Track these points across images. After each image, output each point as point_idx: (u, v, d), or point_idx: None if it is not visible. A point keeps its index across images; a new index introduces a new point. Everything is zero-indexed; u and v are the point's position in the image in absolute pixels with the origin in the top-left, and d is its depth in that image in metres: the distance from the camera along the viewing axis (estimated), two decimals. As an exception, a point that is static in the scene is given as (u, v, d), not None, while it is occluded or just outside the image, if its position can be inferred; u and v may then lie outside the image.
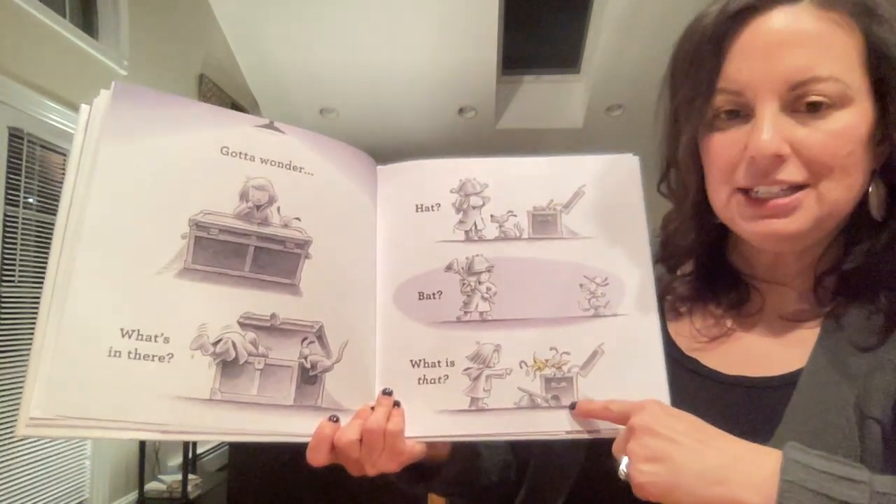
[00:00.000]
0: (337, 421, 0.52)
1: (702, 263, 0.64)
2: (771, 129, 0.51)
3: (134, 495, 3.16)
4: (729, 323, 0.61)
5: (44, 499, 2.60)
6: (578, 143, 4.85)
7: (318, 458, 0.52)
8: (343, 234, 0.57)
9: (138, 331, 0.46)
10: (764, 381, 0.55)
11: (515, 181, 0.62)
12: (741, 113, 0.54)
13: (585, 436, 0.55)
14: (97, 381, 0.44)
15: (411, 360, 0.57)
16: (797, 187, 0.52)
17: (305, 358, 0.52)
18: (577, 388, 0.56)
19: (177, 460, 3.48)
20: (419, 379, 0.57)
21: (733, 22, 0.53)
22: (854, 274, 0.55)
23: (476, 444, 0.64)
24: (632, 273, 0.59)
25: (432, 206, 0.61)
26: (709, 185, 0.58)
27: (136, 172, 0.49)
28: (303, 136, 0.56)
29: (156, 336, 0.47)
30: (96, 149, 0.47)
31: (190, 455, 3.33)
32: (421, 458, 0.56)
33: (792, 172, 0.51)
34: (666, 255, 0.65)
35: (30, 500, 2.52)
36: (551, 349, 0.57)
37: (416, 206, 0.61)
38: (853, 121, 0.51)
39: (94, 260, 0.46)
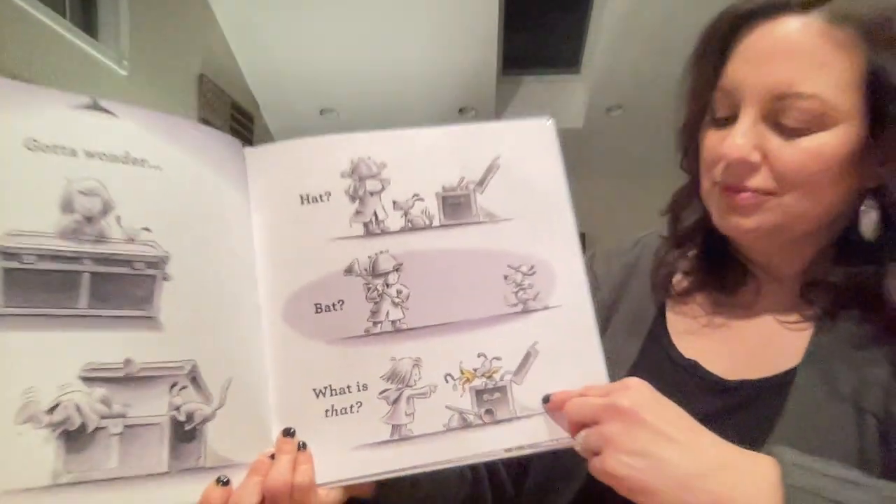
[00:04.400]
0: (227, 483, 0.42)
1: (706, 244, 0.64)
2: (744, 135, 0.52)
3: (134, 495, 3.16)
4: (725, 314, 0.62)
5: (44, 499, 2.59)
6: (578, 143, 4.84)
7: None
8: (210, 242, 0.45)
9: None
10: (762, 382, 0.56)
11: (419, 157, 0.52)
12: (731, 113, 0.55)
13: (527, 451, 0.49)
14: None
15: (314, 390, 0.48)
16: (765, 193, 0.53)
17: (178, 409, 0.41)
18: (513, 397, 0.50)
19: (177, 460, 3.48)
20: (326, 411, 0.48)
21: (742, 22, 0.54)
22: (842, 287, 0.55)
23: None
24: (560, 257, 0.52)
25: (321, 196, 0.50)
26: (700, 172, 0.60)
27: None
28: (142, 118, 0.43)
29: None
30: None
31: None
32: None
33: (761, 181, 0.53)
34: (675, 235, 0.65)
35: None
36: (479, 356, 0.50)
37: (301, 196, 0.50)
38: (832, 142, 0.50)
39: None
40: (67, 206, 0.38)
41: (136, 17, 3.20)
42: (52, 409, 0.37)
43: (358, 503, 0.52)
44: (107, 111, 0.41)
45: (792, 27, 0.51)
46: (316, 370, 0.48)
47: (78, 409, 0.37)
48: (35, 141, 0.37)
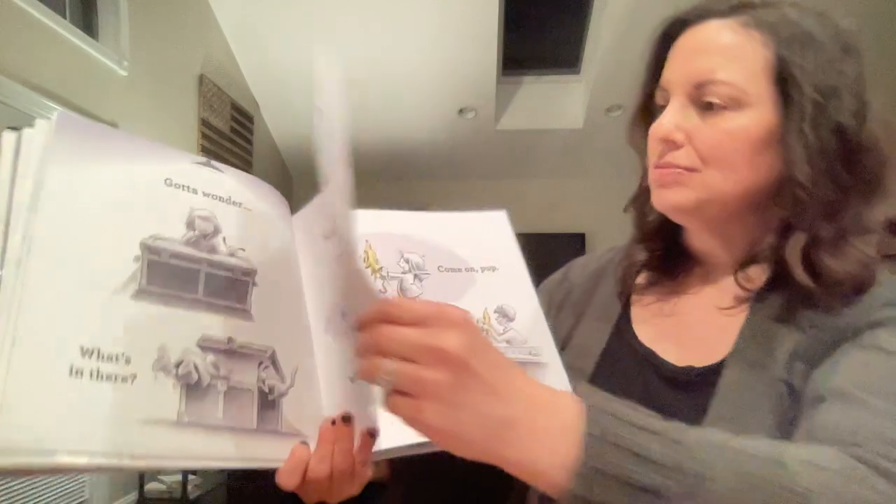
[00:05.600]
0: (307, 445, 0.51)
1: (666, 240, 0.70)
2: (671, 117, 0.60)
3: (134, 495, 3.16)
4: (677, 304, 0.67)
5: (44, 499, 2.59)
6: (578, 143, 4.85)
7: (291, 481, 0.49)
8: (279, 266, 0.58)
9: (98, 350, 0.44)
10: (703, 370, 0.61)
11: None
12: (666, 104, 0.62)
13: None
14: (60, 403, 0.41)
15: (351, 379, 0.57)
16: (688, 170, 0.60)
17: (263, 382, 0.51)
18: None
19: (177, 460, 3.48)
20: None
21: (677, 28, 0.63)
22: (769, 266, 0.61)
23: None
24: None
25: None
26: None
27: (85, 197, 0.48)
28: (236, 175, 0.58)
29: (117, 356, 0.44)
30: (40, 172, 0.46)
31: (190, 455, 3.33)
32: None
33: (681, 157, 0.60)
34: (640, 230, 0.70)
35: (30, 500, 2.52)
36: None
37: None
38: (745, 123, 0.58)
39: (47, 278, 0.43)
40: (191, 225, 0.52)
41: (136, 17, 3.20)
42: (178, 365, 0.47)
43: (374, 485, 0.58)
44: (216, 168, 0.57)
45: (713, 28, 0.60)
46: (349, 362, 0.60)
47: (196, 367, 0.48)
48: (170, 179, 0.53)
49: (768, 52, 0.58)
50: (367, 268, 0.62)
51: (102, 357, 0.44)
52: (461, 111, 4.66)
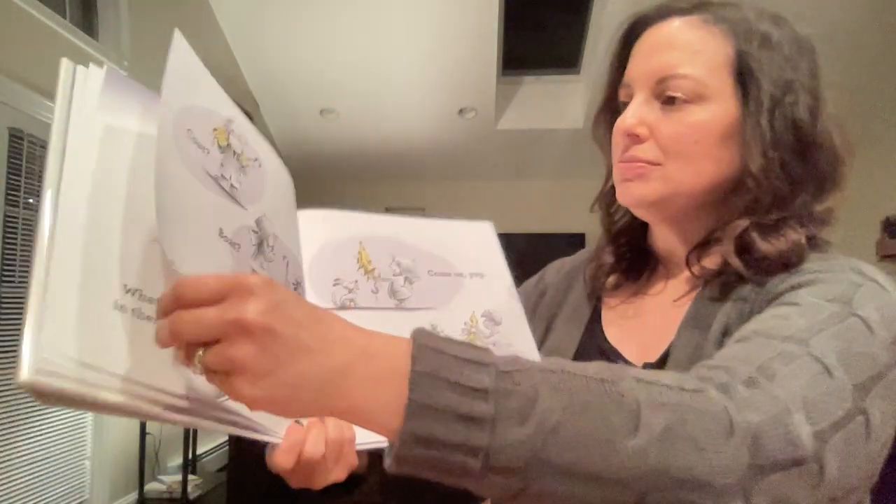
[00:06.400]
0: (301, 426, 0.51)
1: (633, 241, 0.71)
2: (634, 112, 0.62)
3: (134, 495, 3.16)
4: (641, 304, 0.68)
5: (44, 499, 2.59)
6: (578, 143, 4.85)
7: (288, 461, 0.50)
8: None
9: (141, 291, 0.43)
10: (655, 364, 0.61)
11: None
12: (630, 100, 0.64)
13: None
14: (107, 331, 0.40)
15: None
16: (651, 164, 0.61)
17: None
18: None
19: (177, 461, 3.48)
20: None
21: (640, 27, 0.65)
22: (715, 252, 0.61)
23: None
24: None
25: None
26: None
27: (128, 149, 0.50)
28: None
29: (157, 300, 0.43)
30: (92, 116, 0.48)
31: (190, 455, 3.33)
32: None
33: (645, 151, 0.61)
34: (608, 230, 0.71)
35: (30, 500, 2.52)
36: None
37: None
38: (705, 116, 0.60)
39: (93, 219, 0.43)
40: None
41: (136, 17, 3.20)
42: None
43: (353, 477, 0.58)
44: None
45: (675, 25, 0.62)
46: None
47: None
48: None
49: (728, 47, 0.60)
50: (360, 268, 0.62)
51: (144, 298, 0.43)
52: (461, 111, 4.66)
